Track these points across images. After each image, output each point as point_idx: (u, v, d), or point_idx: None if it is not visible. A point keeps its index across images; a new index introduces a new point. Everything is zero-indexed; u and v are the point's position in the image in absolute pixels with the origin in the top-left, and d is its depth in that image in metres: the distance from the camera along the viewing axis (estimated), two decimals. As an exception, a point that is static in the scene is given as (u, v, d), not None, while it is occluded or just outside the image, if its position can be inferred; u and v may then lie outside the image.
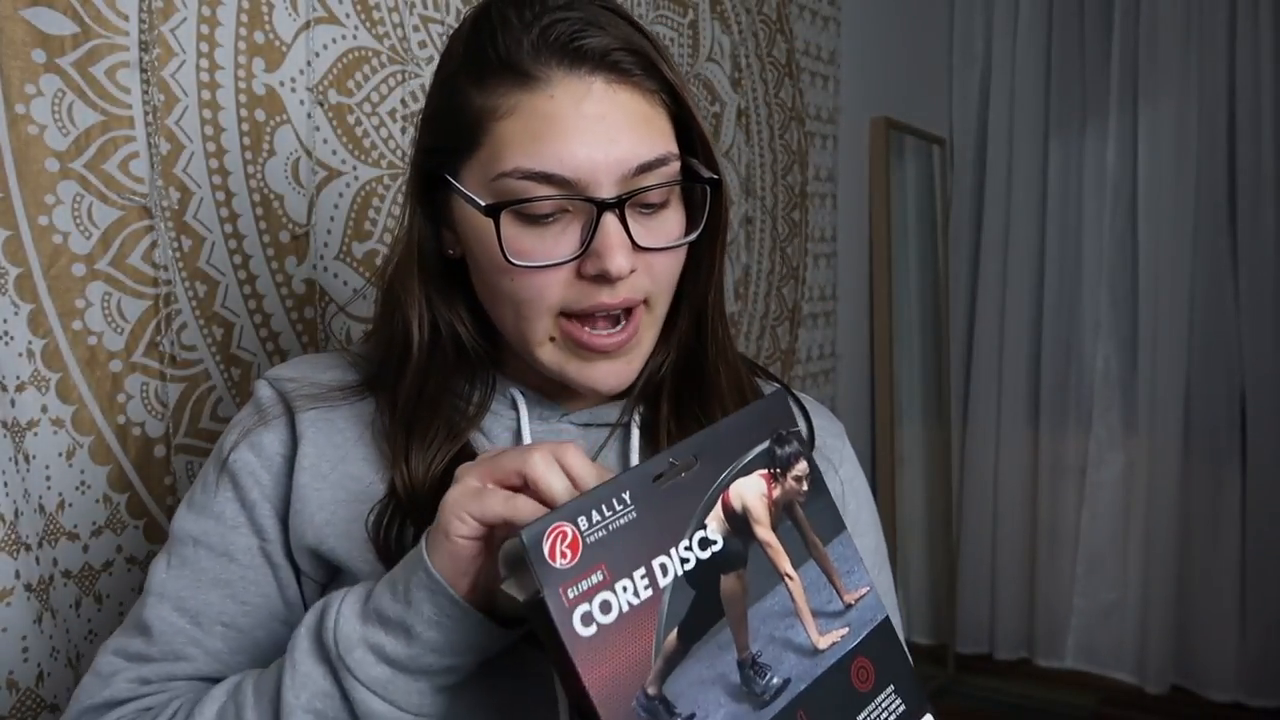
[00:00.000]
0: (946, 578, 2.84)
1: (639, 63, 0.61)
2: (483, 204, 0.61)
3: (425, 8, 1.21)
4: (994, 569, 2.92)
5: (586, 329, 0.63)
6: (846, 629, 0.53)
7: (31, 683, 0.82)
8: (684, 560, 0.49)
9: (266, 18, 1.02)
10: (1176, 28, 2.63)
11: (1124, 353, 2.79)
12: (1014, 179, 2.88)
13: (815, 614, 0.52)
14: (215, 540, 0.67)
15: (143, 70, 0.91)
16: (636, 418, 0.70)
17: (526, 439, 0.68)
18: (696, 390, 0.70)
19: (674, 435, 0.69)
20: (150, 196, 0.92)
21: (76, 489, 0.88)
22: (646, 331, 0.66)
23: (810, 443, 0.75)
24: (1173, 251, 2.66)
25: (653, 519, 0.48)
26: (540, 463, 0.51)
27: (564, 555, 0.45)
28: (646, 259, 0.63)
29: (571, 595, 0.44)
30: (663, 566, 0.48)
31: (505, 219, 0.60)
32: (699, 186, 0.65)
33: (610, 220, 0.60)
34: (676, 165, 0.64)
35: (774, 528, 0.52)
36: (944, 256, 2.90)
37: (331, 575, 0.67)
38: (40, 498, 0.85)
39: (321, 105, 1.08)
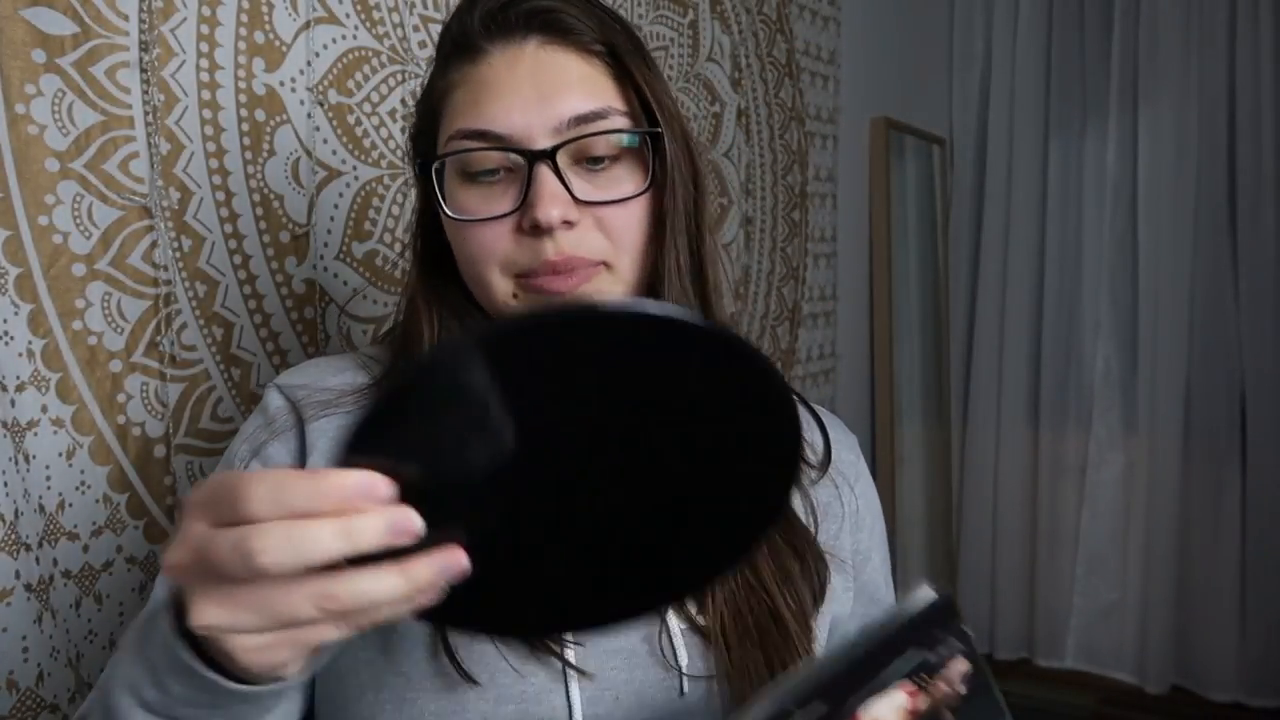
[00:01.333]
0: (946, 578, 2.84)
1: (573, 22, 0.63)
2: (419, 162, 0.65)
3: (425, 8, 1.21)
4: (994, 569, 2.92)
5: (546, 279, 0.63)
6: None
7: (31, 683, 0.82)
8: None
9: (266, 18, 1.02)
10: (1176, 28, 2.63)
11: (1124, 353, 2.79)
12: (1014, 179, 2.88)
13: None
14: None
15: (143, 70, 0.91)
16: None
17: None
18: None
19: None
20: (150, 196, 0.92)
21: (76, 489, 0.88)
22: (613, 286, 0.65)
23: (827, 461, 0.75)
24: (1173, 251, 2.66)
25: None
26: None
27: None
28: (596, 214, 0.63)
29: None
30: None
31: (452, 181, 0.64)
32: (656, 148, 0.64)
33: (542, 170, 0.61)
34: (621, 121, 0.64)
35: None
36: (944, 256, 2.90)
37: None
38: (40, 498, 0.85)
39: (321, 105, 1.08)
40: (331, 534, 0.37)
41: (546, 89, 0.62)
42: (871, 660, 0.47)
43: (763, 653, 0.63)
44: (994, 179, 2.91)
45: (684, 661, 0.64)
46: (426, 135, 0.68)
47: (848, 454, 0.78)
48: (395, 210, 1.17)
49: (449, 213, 0.64)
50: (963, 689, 0.48)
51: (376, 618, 0.39)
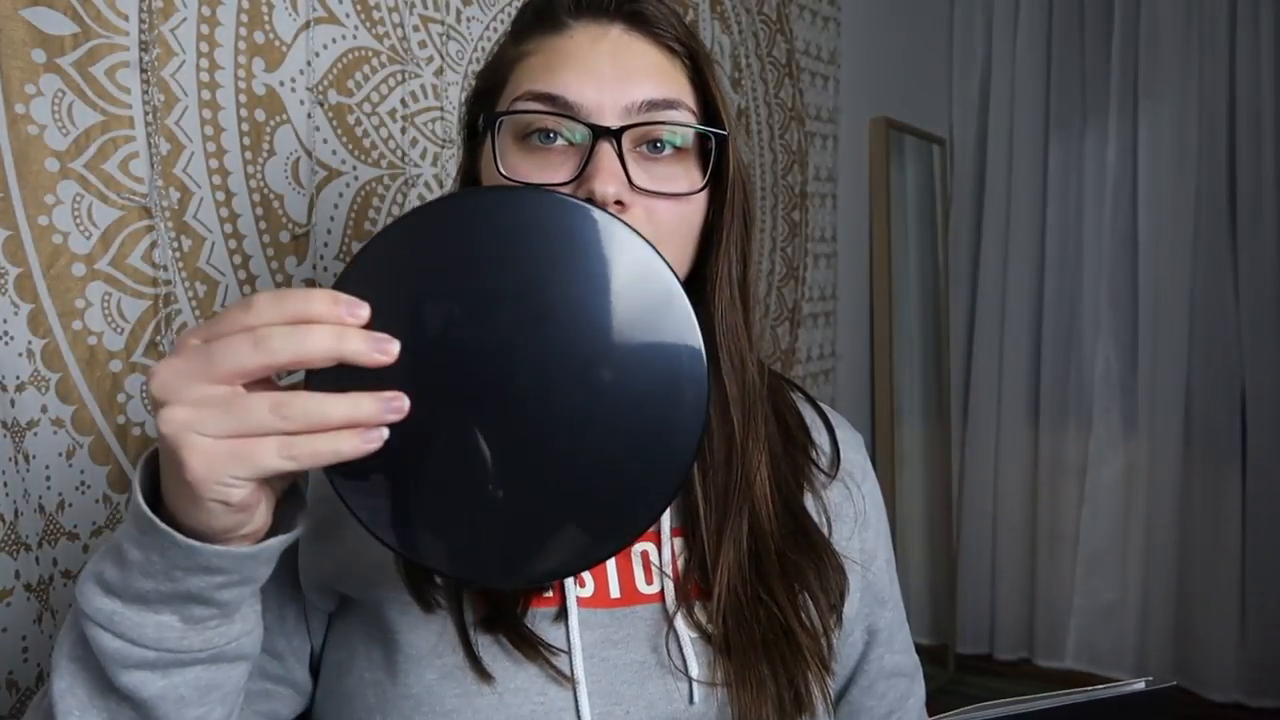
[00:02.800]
0: (946, 578, 2.84)
1: (660, 18, 0.64)
2: (483, 116, 0.64)
3: (425, 8, 1.21)
4: (994, 569, 2.93)
5: None
6: None
7: (31, 683, 0.82)
8: None
9: (266, 18, 1.02)
10: (1176, 28, 2.63)
11: (1124, 353, 2.79)
12: (1014, 179, 2.88)
13: None
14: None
15: (143, 70, 0.91)
16: None
17: None
18: (714, 374, 0.68)
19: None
20: (150, 196, 0.92)
21: (76, 489, 0.88)
22: None
23: (835, 461, 0.75)
24: (1173, 251, 2.66)
25: None
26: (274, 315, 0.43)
27: None
28: (647, 204, 0.62)
29: None
30: None
31: (510, 143, 0.63)
32: (711, 150, 0.65)
33: (604, 147, 0.60)
34: (688, 116, 0.64)
35: None
36: (944, 256, 2.90)
37: (340, 602, 0.66)
38: (40, 498, 0.85)
39: (321, 105, 1.08)
40: (326, 333, 0.43)
41: (624, 70, 0.62)
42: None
43: (769, 665, 0.63)
44: (994, 179, 2.91)
45: (694, 671, 0.63)
46: (487, 98, 0.67)
47: (854, 454, 0.78)
48: (395, 210, 1.17)
49: (503, 171, 0.62)
50: None
51: (319, 447, 0.42)
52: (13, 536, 0.81)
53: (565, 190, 0.60)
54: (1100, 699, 0.46)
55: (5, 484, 0.80)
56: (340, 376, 0.43)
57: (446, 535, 0.48)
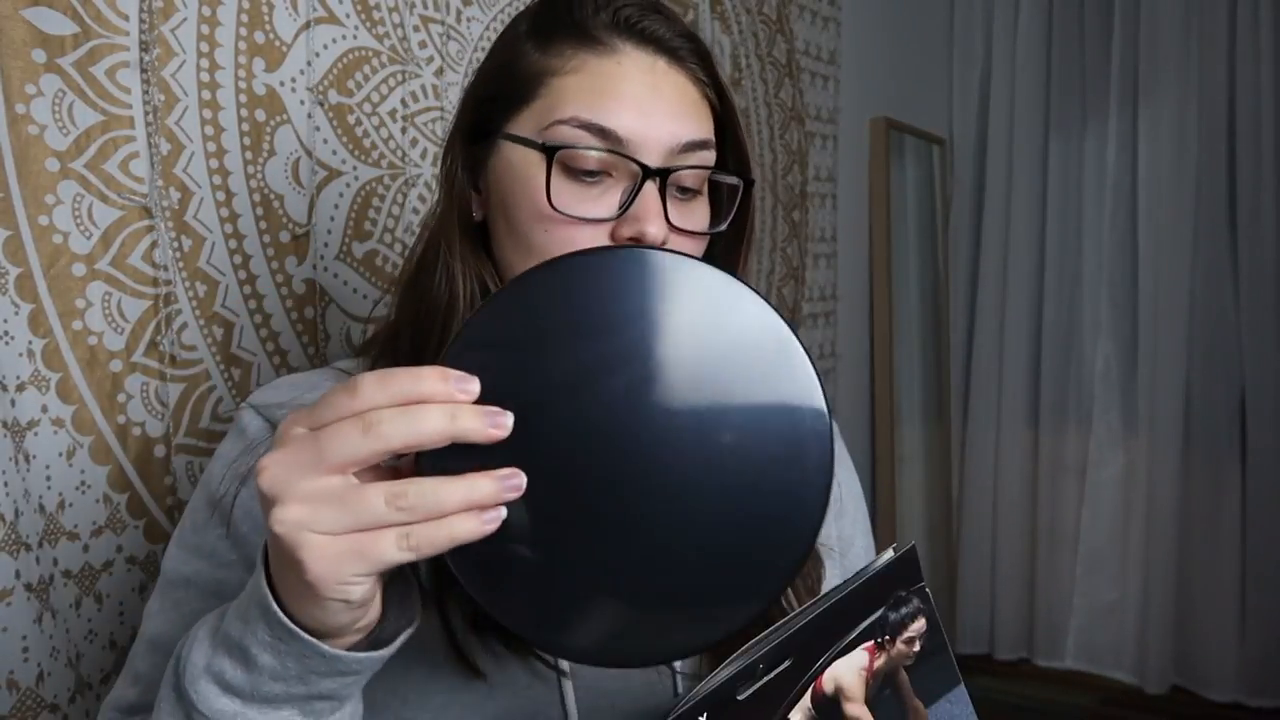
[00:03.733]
0: (946, 578, 2.84)
1: (695, 54, 0.65)
2: (540, 142, 0.62)
3: (425, 8, 1.21)
4: (994, 569, 2.93)
5: None
6: None
7: (31, 683, 0.82)
8: None
9: (266, 18, 1.02)
10: (1176, 28, 2.63)
11: (1124, 353, 2.79)
12: (1014, 179, 2.88)
13: None
14: (206, 579, 0.64)
15: (143, 70, 0.91)
16: None
17: None
18: None
19: None
20: (150, 196, 0.92)
21: (76, 489, 0.88)
22: None
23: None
24: (1173, 251, 2.66)
25: None
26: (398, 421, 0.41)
27: None
28: (673, 241, 0.63)
29: None
30: None
31: (552, 166, 0.61)
32: (724, 190, 0.67)
33: (651, 187, 0.61)
34: (713, 156, 0.65)
35: (870, 700, 0.48)
36: (944, 256, 2.90)
37: None
38: (40, 498, 0.85)
39: (322, 105, 1.08)
40: (439, 413, 0.41)
41: (670, 107, 0.62)
42: (838, 618, 0.47)
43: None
44: (994, 179, 2.91)
45: (677, 663, 0.64)
46: (501, 104, 0.65)
47: None
48: (395, 210, 1.17)
49: (555, 205, 0.61)
50: (918, 647, 0.49)
51: (438, 535, 0.41)
52: (13, 536, 0.81)
53: (607, 225, 0.61)
54: (857, 586, 0.47)
55: (5, 484, 0.80)
56: (450, 453, 0.41)
57: (570, 616, 0.45)
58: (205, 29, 0.97)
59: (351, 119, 1.11)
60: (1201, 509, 2.67)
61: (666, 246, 0.59)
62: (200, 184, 0.97)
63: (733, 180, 0.66)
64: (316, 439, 0.41)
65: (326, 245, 1.10)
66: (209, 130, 0.98)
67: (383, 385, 0.41)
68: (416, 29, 1.19)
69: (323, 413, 0.42)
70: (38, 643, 0.83)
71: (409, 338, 0.68)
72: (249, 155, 1.01)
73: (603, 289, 0.44)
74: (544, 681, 0.61)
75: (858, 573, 0.48)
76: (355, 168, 1.12)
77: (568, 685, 0.61)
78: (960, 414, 2.97)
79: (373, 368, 0.69)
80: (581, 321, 0.44)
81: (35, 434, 0.84)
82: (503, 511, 0.41)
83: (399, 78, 1.17)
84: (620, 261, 0.45)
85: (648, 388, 0.44)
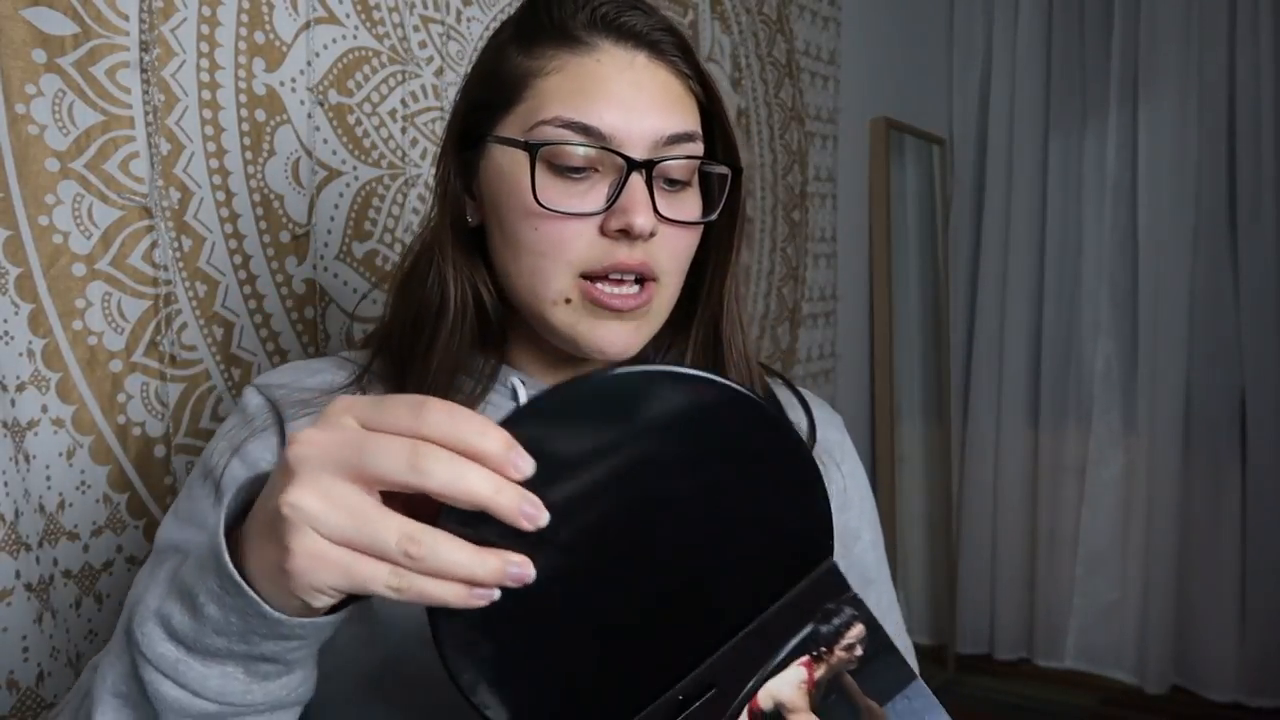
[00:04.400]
0: (946, 578, 2.84)
1: (676, 47, 0.65)
2: (523, 141, 0.63)
3: (425, 8, 1.21)
4: (994, 569, 2.92)
5: (605, 287, 0.63)
6: None
7: (31, 682, 0.82)
8: None
9: (266, 18, 1.02)
10: (1176, 27, 2.63)
11: (1124, 353, 2.79)
12: (1014, 179, 2.87)
13: None
14: (197, 546, 0.64)
15: (143, 70, 0.91)
16: None
17: None
18: None
19: None
20: (150, 196, 0.92)
21: (76, 489, 0.88)
22: (659, 306, 0.67)
23: (812, 440, 0.75)
24: (1173, 251, 2.66)
25: None
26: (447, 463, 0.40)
27: None
28: (664, 232, 0.64)
29: None
30: None
31: (538, 166, 0.63)
32: (714, 179, 0.68)
33: (637, 179, 0.62)
34: (700, 148, 0.66)
35: (816, 708, 0.48)
36: (944, 256, 2.90)
37: None
38: (40, 498, 0.85)
39: (322, 105, 1.08)
40: (486, 481, 0.39)
41: (652, 101, 0.63)
42: (762, 642, 0.47)
43: None
44: (994, 179, 2.91)
45: None
46: (488, 110, 0.66)
47: (834, 433, 0.78)
48: (395, 210, 1.17)
49: (541, 201, 0.62)
50: (859, 651, 0.48)
51: (428, 590, 0.40)
52: (13, 536, 0.81)
53: (595, 219, 0.62)
54: (771, 612, 0.49)
55: (5, 484, 0.80)
56: (474, 514, 0.40)
57: (522, 700, 0.45)
58: (205, 29, 0.97)
59: (351, 119, 1.11)
60: (1201, 509, 2.67)
61: (646, 238, 0.62)
62: (200, 184, 0.97)
63: (721, 169, 0.67)
64: (363, 443, 0.40)
65: (326, 245, 1.10)
66: (209, 130, 0.98)
67: (451, 422, 0.40)
68: (416, 29, 1.19)
69: (381, 416, 0.41)
70: (38, 643, 0.83)
71: (399, 338, 0.69)
72: (249, 155, 1.01)
73: (678, 411, 0.44)
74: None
75: (774, 601, 0.48)
76: (355, 168, 1.12)
77: None
78: (960, 414, 2.97)
79: (373, 360, 0.71)
80: (641, 436, 0.44)
81: (35, 434, 0.85)
82: (496, 594, 0.41)
83: (399, 78, 1.17)
84: (699, 388, 0.45)
85: (677, 506, 0.45)
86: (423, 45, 1.20)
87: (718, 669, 0.46)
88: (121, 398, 0.91)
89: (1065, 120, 2.83)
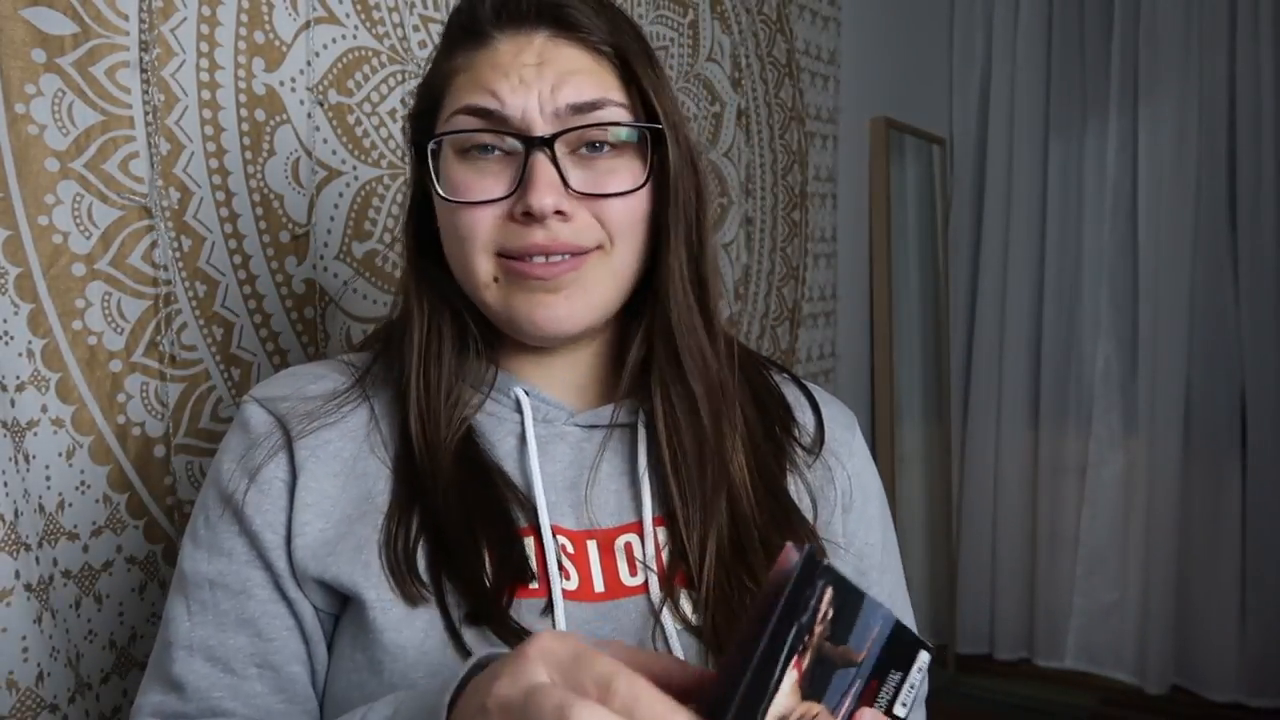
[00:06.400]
0: (946, 578, 2.84)
1: (583, 20, 0.65)
2: (424, 139, 0.66)
3: (425, 8, 1.21)
4: (994, 569, 2.92)
5: (526, 261, 0.64)
6: (860, 681, 0.48)
7: (31, 683, 0.82)
8: None
9: (266, 18, 1.02)
10: (1176, 28, 2.63)
11: (1124, 353, 2.79)
12: (1014, 179, 2.88)
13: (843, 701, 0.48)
14: (231, 579, 0.64)
15: (143, 70, 0.91)
16: (641, 416, 0.70)
17: (531, 445, 0.67)
18: (676, 377, 0.68)
19: (671, 429, 0.67)
20: (150, 196, 0.92)
21: (76, 489, 0.88)
22: (597, 275, 0.65)
23: (819, 440, 0.75)
24: (1173, 251, 2.66)
25: None
26: None
27: None
28: (593, 207, 0.64)
29: None
30: None
31: (448, 161, 0.65)
32: (648, 145, 0.66)
33: (538, 158, 0.62)
34: (618, 113, 0.65)
35: (805, 686, 0.46)
36: (944, 256, 2.90)
37: (341, 605, 0.65)
38: (40, 498, 0.85)
39: (321, 105, 1.08)
40: None
41: (550, 76, 0.63)
42: (766, 663, 0.45)
43: None
44: (994, 179, 2.91)
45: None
46: (425, 118, 0.69)
47: (843, 431, 0.77)
48: (395, 210, 1.17)
49: (441, 192, 0.64)
50: (830, 614, 0.46)
51: None
52: (13, 536, 0.81)
53: (504, 204, 0.63)
54: (774, 626, 0.46)
55: (5, 484, 0.80)
56: None
57: None
58: (205, 29, 0.97)
59: (351, 119, 1.11)
60: (1201, 509, 2.67)
61: (553, 217, 0.62)
62: (200, 184, 0.97)
63: (633, 128, 0.65)
64: (558, 695, 0.40)
65: (326, 245, 1.10)
66: (209, 130, 0.97)
67: (632, 707, 0.40)
68: (416, 29, 1.19)
69: (580, 671, 0.42)
70: (37, 643, 0.83)
71: (396, 341, 0.71)
72: (249, 155, 1.01)
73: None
74: None
75: (766, 603, 0.46)
76: (355, 168, 1.12)
77: None
78: (960, 414, 2.97)
79: (374, 363, 0.71)
80: None
81: (35, 434, 0.84)
82: None
83: (399, 78, 1.17)
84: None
85: None
86: (422, 45, 1.20)
87: (738, 706, 0.44)
88: (121, 398, 0.91)
89: (1065, 121, 2.83)
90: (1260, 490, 2.59)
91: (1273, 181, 2.56)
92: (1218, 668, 2.63)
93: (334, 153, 1.10)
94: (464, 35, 0.67)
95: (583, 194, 0.63)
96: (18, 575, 0.81)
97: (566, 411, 0.70)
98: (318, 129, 1.08)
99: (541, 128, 0.63)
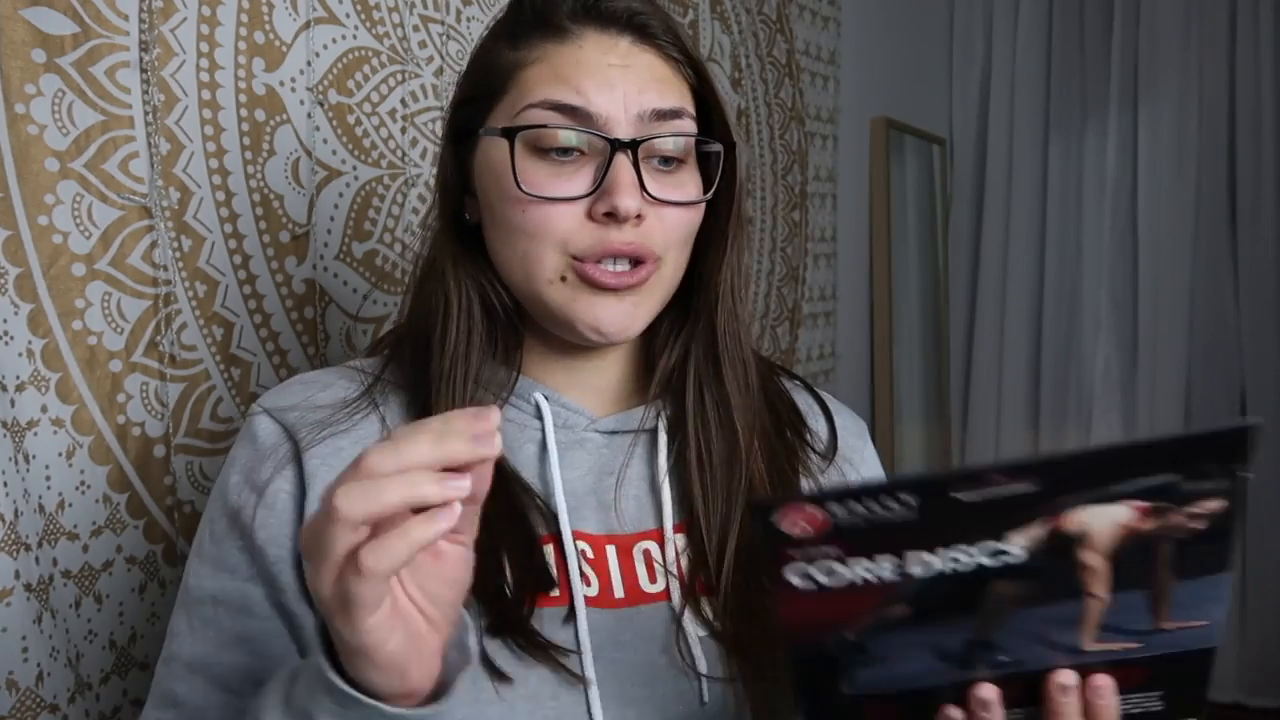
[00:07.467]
0: (946, 578, 2.84)
1: (663, 29, 0.65)
2: (502, 128, 0.63)
3: (425, 8, 1.21)
4: (994, 569, 2.92)
5: (599, 265, 0.63)
6: (1137, 644, 0.46)
7: (31, 683, 0.82)
8: (955, 560, 0.44)
9: (266, 18, 1.02)
10: (1176, 27, 2.63)
11: (1124, 353, 2.79)
12: (1014, 179, 2.87)
13: (1106, 628, 0.46)
14: (233, 595, 0.64)
15: (143, 70, 0.91)
16: (663, 421, 0.70)
17: (552, 451, 0.67)
18: (714, 382, 0.69)
19: (701, 433, 0.68)
20: (150, 196, 0.92)
21: (76, 489, 0.88)
22: (654, 284, 0.66)
23: (833, 447, 0.75)
24: (1173, 251, 2.66)
25: (935, 520, 0.43)
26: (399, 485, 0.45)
27: (800, 526, 0.44)
28: (659, 213, 0.64)
29: (794, 554, 0.45)
30: (923, 560, 0.44)
31: (523, 152, 0.63)
32: (712, 159, 0.68)
33: (622, 160, 0.62)
34: (693, 125, 0.66)
35: (1115, 554, 0.44)
36: (944, 256, 2.90)
37: None
38: (40, 498, 0.85)
39: (321, 105, 1.08)
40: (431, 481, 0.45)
41: (636, 81, 0.63)
42: (1109, 465, 0.42)
43: (779, 659, 0.63)
44: (994, 179, 2.91)
45: (703, 668, 0.63)
46: (478, 104, 0.67)
47: (855, 440, 0.78)
48: (395, 210, 1.17)
49: (523, 187, 0.62)
50: (1202, 526, 0.42)
51: (424, 533, 0.44)
52: (13, 536, 0.81)
53: (583, 202, 0.62)
54: (1151, 442, 0.42)
55: (5, 484, 0.80)
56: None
57: None
58: (205, 29, 0.97)
59: (351, 119, 1.11)
60: (1201, 509, 2.67)
61: (632, 220, 0.62)
62: (200, 184, 0.97)
63: (715, 146, 0.67)
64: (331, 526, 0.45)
65: (326, 245, 1.10)
66: (209, 130, 0.97)
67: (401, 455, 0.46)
68: (416, 29, 1.19)
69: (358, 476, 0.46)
70: (37, 643, 0.83)
71: (411, 343, 0.69)
72: (249, 155, 1.01)
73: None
74: (570, 690, 0.60)
75: (1176, 432, 0.43)
76: (355, 168, 1.12)
77: (594, 693, 0.60)
78: (960, 414, 2.96)
79: (384, 368, 0.70)
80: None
81: (35, 434, 0.84)
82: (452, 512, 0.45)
83: (399, 78, 1.17)
84: None
85: None
86: (423, 45, 1.20)
87: (1044, 469, 0.42)
88: (121, 398, 0.91)
89: (1065, 120, 2.83)
90: (1260, 490, 2.59)
91: (1273, 181, 2.56)
92: (1218, 668, 2.60)
93: (334, 153, 1.10)
94: (539, 25, 0.65)
95: (658, 200, 0.64)
96: (18, 575, 0.81)
97: (587, 417, 0.70)
98: (318, 129, 1.08)
99: (623, 131, 0.62)
